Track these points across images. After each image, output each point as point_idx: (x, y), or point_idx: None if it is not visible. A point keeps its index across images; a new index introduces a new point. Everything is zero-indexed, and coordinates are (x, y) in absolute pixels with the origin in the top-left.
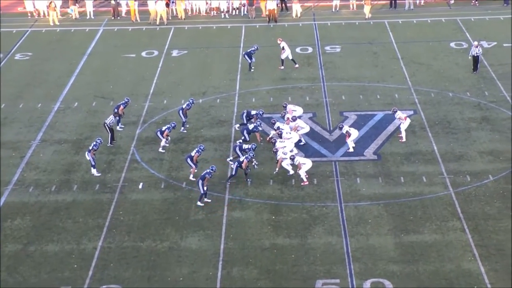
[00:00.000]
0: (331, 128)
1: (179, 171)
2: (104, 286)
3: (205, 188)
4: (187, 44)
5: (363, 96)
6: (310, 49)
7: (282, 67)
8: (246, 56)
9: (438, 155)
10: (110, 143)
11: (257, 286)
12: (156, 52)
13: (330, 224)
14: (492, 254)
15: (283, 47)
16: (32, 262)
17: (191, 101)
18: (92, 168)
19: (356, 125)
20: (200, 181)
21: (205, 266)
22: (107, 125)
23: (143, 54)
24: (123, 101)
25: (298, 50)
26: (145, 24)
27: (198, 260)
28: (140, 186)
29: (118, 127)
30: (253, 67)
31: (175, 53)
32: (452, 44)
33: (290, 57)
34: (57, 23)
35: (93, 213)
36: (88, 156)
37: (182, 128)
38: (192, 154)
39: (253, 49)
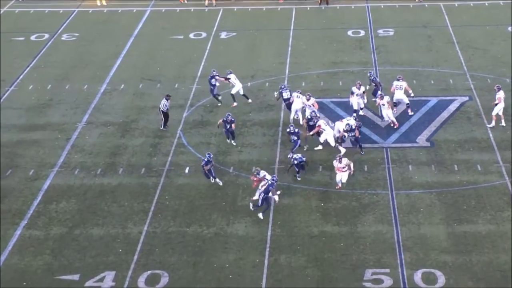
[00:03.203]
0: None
1: (226, 155)
2: (149, 272)
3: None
4: (236, 26)
5: (416, 81)
6: (362, 32)
7: (235, 104)
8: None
9: (493, 143)
10: (163, 127)
11: (305, 274)
12: (204, 34)
13: (380, 212)
14: None
15: (230, 80)
16: (77, 245)
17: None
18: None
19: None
20: (263, 195)
21: (251, 253)
22: (160, 109)
23: (191, 36)
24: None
25: (350, 33)
26: (194, 5)
27: (244, 247)
28: (187, 171)
29: None
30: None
31: (223, 35)
32: (510, 29)
33: (241, 92)
34: (104, 3)
35: (138, 197)
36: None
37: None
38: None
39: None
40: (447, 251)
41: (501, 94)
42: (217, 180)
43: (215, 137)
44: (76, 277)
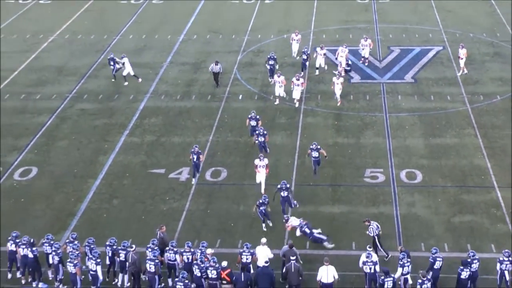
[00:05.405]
0: (381, 58)
1: (268, 87)
2: (213, 168)
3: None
4: None
5: (405, 35)
6: None
7: (126, 83)
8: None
9: (459, 80)
10: (217, 86)
11: (323, 172)
12: None
13: (377, 129)
14: (497, 153)
15: (123, 63)
16: (163, 149)
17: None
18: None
19: (399, 56)
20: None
21: (285, 156)
22: (210, 71)
23: (244, 0)
24: None
25: (358, 0)
26: None
27: (280, 152)
28: (240, 97)
29: None
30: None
31: (267, 0)
32: None
33: (132, 73)
34: None
35: (206, 116)
36: None
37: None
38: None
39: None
40: (424, 157)
41: (464, 51)
42: (268, 222)
43: (260, 74)
44: (162, 171)
